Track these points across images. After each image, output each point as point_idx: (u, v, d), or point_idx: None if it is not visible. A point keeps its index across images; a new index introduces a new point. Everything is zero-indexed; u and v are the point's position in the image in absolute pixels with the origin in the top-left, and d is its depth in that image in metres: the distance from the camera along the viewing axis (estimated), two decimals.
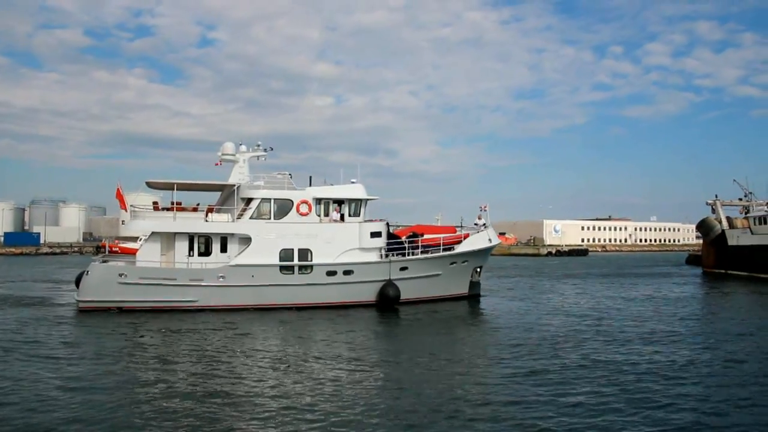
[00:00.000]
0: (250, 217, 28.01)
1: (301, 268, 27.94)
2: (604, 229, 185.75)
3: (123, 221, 28.59)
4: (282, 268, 27.72)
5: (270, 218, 28.19)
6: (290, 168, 28.84)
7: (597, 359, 16.75)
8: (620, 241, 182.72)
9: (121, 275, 26.10)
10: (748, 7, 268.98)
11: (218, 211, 28.81)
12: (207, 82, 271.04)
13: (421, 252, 30.26)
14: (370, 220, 30.17)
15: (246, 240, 27.73)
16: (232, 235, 27.75)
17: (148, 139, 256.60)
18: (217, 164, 29.62)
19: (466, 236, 31.96)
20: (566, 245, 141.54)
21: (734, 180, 67.20)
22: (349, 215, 29.44)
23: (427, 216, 30.88)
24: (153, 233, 27.62)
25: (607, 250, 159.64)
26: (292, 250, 27.90)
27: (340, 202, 29.48)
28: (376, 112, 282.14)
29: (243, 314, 25.97)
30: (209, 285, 26.63)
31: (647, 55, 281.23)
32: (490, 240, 32.55)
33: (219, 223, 27.97)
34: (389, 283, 28.73)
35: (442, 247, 30.69)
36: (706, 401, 12.59)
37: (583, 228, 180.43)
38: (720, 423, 11.14)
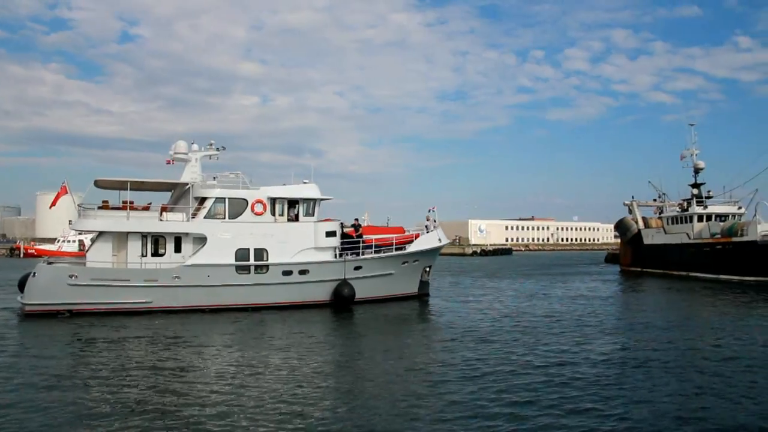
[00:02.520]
0: (205, 217, 28.13)
1: (257, 268, 28.24)
2: (528, 228, 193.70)
3: (71, 221, 28.23)
4: (238, 268, 27.87)
5: (225, 218, 28.26)
6: (217, 168, 29.47)
7: (540, 355, 17.41)
8: (543, 240, 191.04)
9: (71, 276, 25.51)
10: (660, 17, 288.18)
11: (172, 210, 28.63)
12: (128, 79, 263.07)
13: (374, 251, 31.53)
14: (327, 220, 30.82)
15: (201, 240, 27.74)
16: (187, 234, 27.71)
17: (66, 137, 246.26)
18: (168, 162, 29.48)
19: (417, 236, 33.43)
20: (491, 245, 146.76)
21: (649, 182, 71.77)
22: (304, 215, 30.00)
23: (353, 216, 32.14)
24: (103, 233, 27.12)
25: (530, 250, 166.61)
26: (248, 249, 28.15)
27: (294, 202, 30.03)
28: (302, 112, 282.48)
29: (198, 315, 25.96)
30: (163, 286, 26.46)
31: (567, 60, 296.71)
32: (440, 240, 33.93)
33: (174, 222, 27.79)
34: (344, 283, 29.38)
35: (394, 247, 32.20)
36: (634, 390, 13.42)
37: (507, 228, 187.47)
38: (640, 413, 11.66)
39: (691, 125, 62.18)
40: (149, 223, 27.70)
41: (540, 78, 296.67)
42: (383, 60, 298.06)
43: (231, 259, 27.94)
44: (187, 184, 29.14)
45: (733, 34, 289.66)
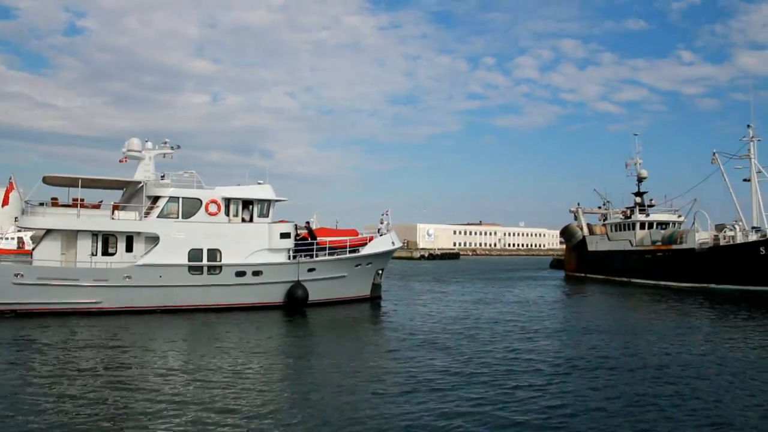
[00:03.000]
0: (158, 216, 27.77)
1: (210, 268, 28.05)
2: (475, 233, 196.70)
3: (17, 218, 27.43)
4: (191, 268, 27.65)
5: (178, 217, 28.00)
6: (165, 167, 29.37)
7: (489, 358, 17.72)
8: (490, 245, 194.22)
9: (17, 275, 24.84)
10: (608, 29, 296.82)
11: (124, 209, 28.14)
12: (74, 73, 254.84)
13: (328, 254, 31.71)
14: (282, 221, 30.81)
15: (153, 239, 27.38)
16: (139, 234, 27.33)
17: (7, 131, 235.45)
18: (121, 161, 29.20)
19: (371, 239, 33.89)
20: (439, 249, 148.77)
21: (594, 189, 74.58)
22: (258, 216, 29.95)
23: (302, 218, 32.25)
24: (51, 231, 26.53)
25: (477, 254, 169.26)
26: (201, 250, 27.94)
27: (249, 203, 30.00)
28: (252, 111, 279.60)
29: (149, 316, 25.64)
30: (114, 286, 26.03)
31: (517, 68, 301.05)
32: (393, 243, 34.51)
33: (126, 221, 27.33)
34: (298, 284, 29.52)
35: (348, 249, 32.62)
36: (577, 391, 13.89)
37: (455, 232, 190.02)
38: (581, 417, 11.97)
39: (635, 135, 65.44)
40: (100, 221, 27.18)
41: (491, 85, 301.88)
42: (336, 62, 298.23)
43: (184, 260, 27.71)
44: (140, 182, 28.75)
45: (676, 48, 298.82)
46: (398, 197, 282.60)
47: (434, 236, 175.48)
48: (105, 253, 27.14)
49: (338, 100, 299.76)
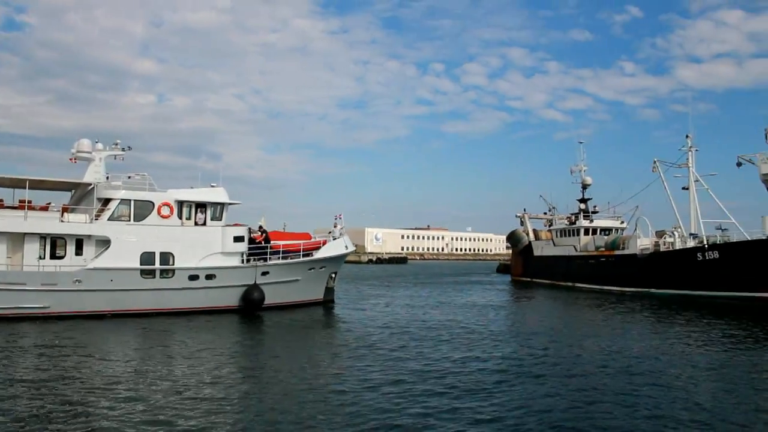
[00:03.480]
0: (109, 219, 27.30)
1: (162, 272, 27.73)
2: (423, 238, 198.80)
3: None
4: (143, 272, 27.26)
5: (130, 220, 27.60)
6: (113, 169, 29.04)
7: (438, 361, 17.77)
8: (438, 250, 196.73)
9: None
10: (555, 39, 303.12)
11: (74, 211, 27.60)
12: (13, 70, 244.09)
13: (281, 257, 31.86)
14: (236, 225, 30.72)
15: (104, 242, 26.89)
16: (90, 237, 26.77)
17: None
18: (71, 161, 28.65)
19: (324, 243, 34.08)
20: (386, 253, 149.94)
21: (541, 195, 76.15)
22: (211, 219, 29.76)
23: (250, 221, 31.93)
24: None
25: (425, 259, 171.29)
26: (154, 253, 27.55)
27: (202, 206, 29.73)
28: (200, 113, 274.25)
29: (100, 321, 25.12)
30: (63, 290, 25.43)
31: (466, 75, 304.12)
32: (346, 247, 34.98)
33: (76, 223, 26.74)
34: (254, 287, 29.56)
35: (302, 253, 32.81)
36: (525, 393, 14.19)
37: (402, 237, 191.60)
38: (524, 419, 12.23)
39: (581, 143, 66.44)
40: (49, 224, 26.49)
41: (439, 91, 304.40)
42: (285, 65, 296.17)
43: (136, 263, 27.33)
44: (90, 184, 28.24)
45: (619, 59, 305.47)
46: (347, 201, 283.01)
47: (382, 240, 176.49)
48: (54, 256, 26.48)
49: (287, 103, 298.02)
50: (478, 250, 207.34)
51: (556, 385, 15.01)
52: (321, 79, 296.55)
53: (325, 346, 21.74)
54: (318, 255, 32.81)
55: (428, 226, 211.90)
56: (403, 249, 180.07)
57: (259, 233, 32.35)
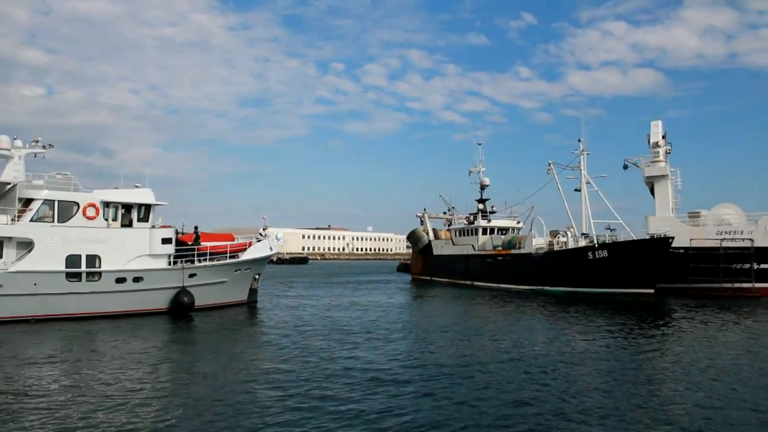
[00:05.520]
0: (31, 220, 25.63)
1: (88, 275, 26.43)
2: (324, 238, 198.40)
3: None
4: (68, 275, 25.87)
5: (53, 221, 26.08)
6: (33, 167, 27.48)
7: (348, 361, 17.63)
8: (339, 249, 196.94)
9: None
10: (453, 42, 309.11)
11: None
12: None
13: (208, 259, 31.05)
14: (164, 227, 29.79)
15: (26, 244, 25.27)
16: (10, 239, 25.06)
17: None
18: None
19: (249, 244, 33.63)
20: (287, 253, 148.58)
21: (440, 195, 77.01)
22: (138, 220, 28.71)
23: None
24: None
25: (326, 258, 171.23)
26: (80, 256, 26.25)
27: (129, 207, 28.57)
28: (92, 108, 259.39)
29: (22, 327, 23.57)
30: None
31: (366, 75, 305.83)
32: (271, 248, 34.83)
33: None
34: (183, 290, 28.71)
35: (228, 255, 32.19)
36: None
37: (303, 236, 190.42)
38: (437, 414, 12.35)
39: (479, 144, 67.14)
40: None
41: (339, 90, 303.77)
42: (183, 60, 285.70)
43: (60, 266, 25.84)
44: (8, 183, 26.41)
45: (515, 64, 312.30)
46: (246, 201, 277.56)
47: (283, 240, 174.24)
48: None
49: (185, 99, 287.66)
50: (379, 249, 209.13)
51: (457, 384, 15.01)
52: (220, 76, 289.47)
53: (251, 348, 20.70)
54: (244, 256, 32.35)
55: (329, 226, 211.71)
56: (304, 249, 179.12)
57: (193, 234, 31.57)
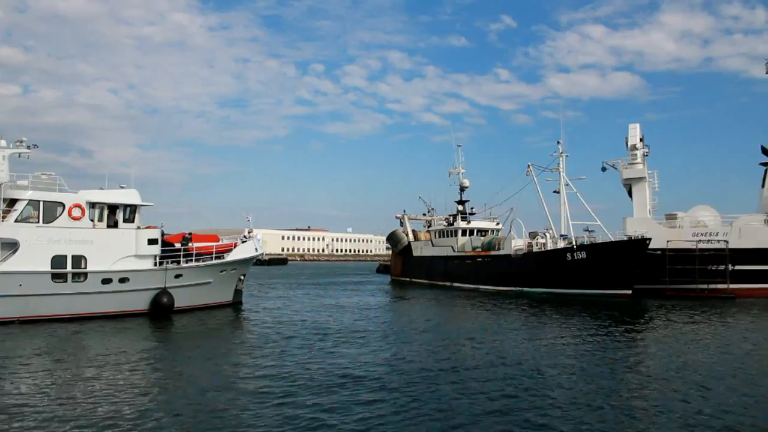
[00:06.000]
0: (16, 220, 25.24)
1: (74, 275, 26.20)
2: (304, 239, 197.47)
3: None
4: (54, 275, 25.60)
5: (39, 222, 25.75)
6: (17, 167, 27.13)
7: (331, 363, 17.62)
8: (318, 250, 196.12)
9: None
10: (432, 44, 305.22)
11: None
12: None
13: (194, 260, 30.76)
14: (150, 227, 29.48)
15: (11, 245, 24.90)
16: None
17: None
18: None
19: (235, 245, 33.47)
20: (267, 254, 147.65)
21: (420, 197, 75.95)
22: (123, 221, 28.42)
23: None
24: None
25: (305, 260, 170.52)
26: (66, 256, 25.98)
27: (114, 207, 28.34)
28: (69, 107, 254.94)
29: (7, 328, 23.29)
30: None
31: (346, 76, 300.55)
32: (256, 249, 34.74)
33: None
34: (163, 292, 28.48)
35: (214, 255, 31.97)
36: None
37: (283, 237, 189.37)
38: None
39: (459, 146, 66.80)
40: None
41: (319, 91, 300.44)
42: (162, 60, 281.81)
43: (46, 267, 25.53)
44: None
45: (494, 66, 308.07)
46: (226, 201, 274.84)
47: (262, 241, 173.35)
48: None
49: (164, 99, 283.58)
50: (359, 250, 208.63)
51: (442, 377, 15.45)
52: (200, 76, 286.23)
53: (234, 351, 20.44)
54: (230, 257, 32.21)
55: (309, 227, 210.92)
56: (283, 250, 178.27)
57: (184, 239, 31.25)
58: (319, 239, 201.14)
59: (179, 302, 29.10)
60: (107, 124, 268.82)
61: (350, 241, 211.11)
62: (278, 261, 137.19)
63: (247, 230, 35.06)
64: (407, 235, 70.22)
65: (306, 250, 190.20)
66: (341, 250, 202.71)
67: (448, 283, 56.03)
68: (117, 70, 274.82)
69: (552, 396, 13.76)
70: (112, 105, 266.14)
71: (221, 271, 32.04)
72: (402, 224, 72.24)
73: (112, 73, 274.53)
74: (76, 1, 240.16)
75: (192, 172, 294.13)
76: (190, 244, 30.80)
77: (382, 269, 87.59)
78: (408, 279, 65.72)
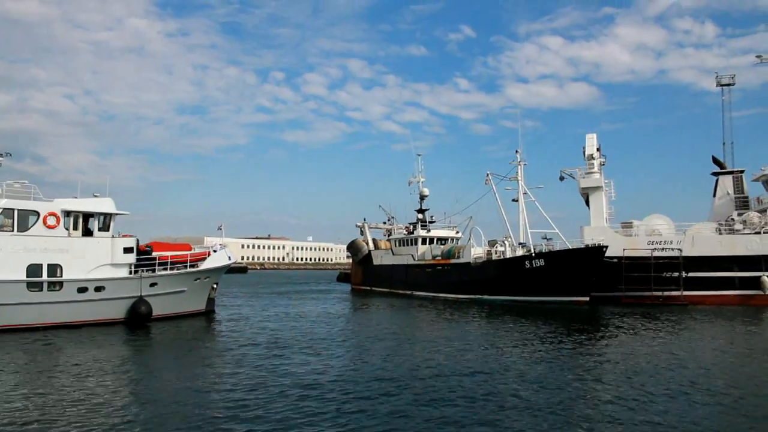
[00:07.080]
0: None
1: (50, 284, 25.62)
2: (263, 247, 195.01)
3: None
4: (29, 284, 24.98)
5: (13, 230, 25.14)
6: None
7: (297, 373, 17.17)
8: (279, 259, 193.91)
9: None
10: (392, 53, 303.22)
11: None
12: None
13: (168, 269, 30.35)
14: (125, 236, 29.07)
15: None
16: None
17: None
18: None
19: (208, 254, 33.29)
20: None
21: (380, 205, 75.97)
22: (98, 230, 28.02)
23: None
24: None
25: (265, 268, 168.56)
26: (41, 265, 25.41)
27: (89, 216, 27.95)
28: (23, 112, 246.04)
29: None
30: None
31: (306, 84, 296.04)
32: (229, 258, 34.54)
33: None
34: (141, 300, 28.11)
35: (188, 264, 31.67)
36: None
37: (243, 246, 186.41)
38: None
39: (419, 155, 66.80)
40: None
41: (279, 99, 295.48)
42: (120, 65, 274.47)
43: (21, 275, 24.94)
44: None
45: (454, 76, 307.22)
46: (186, 209, 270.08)
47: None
48: None
49: (122, 105, 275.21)
50: (319, 259, 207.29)
51: (401, 385, 15.46)
52: (158, 83, 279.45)
53: (205, 358, 19.93)
54: (204, 266, 31.98)
55: (269, 235, 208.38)
56: (243, 258, 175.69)
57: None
58: (279, 248, 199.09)
59: (155, 311, 28.72)
60: (62, 131, 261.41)
61: (311, 249, 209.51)
62: (238, 269, 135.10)
63: (219, 243, 34.89)
64: (367, 243, 69.37)
65: (266, 259, 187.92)
66: (302, 259, 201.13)
67: (408, 292, 55.56)
68: (73, 76, 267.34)
69: (504, 403, 13.77)
70: (68, 111, 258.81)
71: (195, 280, 31.76)
72: (362, 233, 71.29)
73: (67, 79, 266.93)
74: (29, 3, 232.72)
75: (151, 179, 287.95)
76: (154, 253, 30.20)
77: (343, 278, 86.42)
78: (369, 288, 65.04)
